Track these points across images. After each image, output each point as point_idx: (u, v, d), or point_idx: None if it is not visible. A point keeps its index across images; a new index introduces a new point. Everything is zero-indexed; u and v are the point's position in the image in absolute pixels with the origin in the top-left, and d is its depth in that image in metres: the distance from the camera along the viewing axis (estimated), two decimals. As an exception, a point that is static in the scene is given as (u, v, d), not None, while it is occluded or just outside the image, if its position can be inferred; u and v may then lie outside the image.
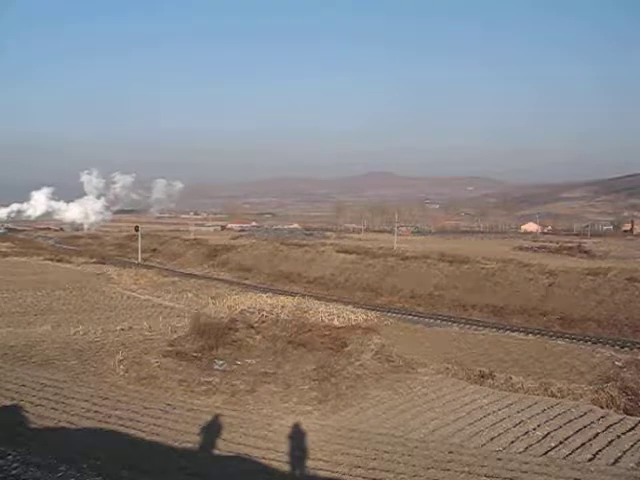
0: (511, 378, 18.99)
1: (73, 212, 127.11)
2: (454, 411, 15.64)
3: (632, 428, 14.29)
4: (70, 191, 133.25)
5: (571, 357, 23.24)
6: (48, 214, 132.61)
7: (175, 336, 23.79)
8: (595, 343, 30.82)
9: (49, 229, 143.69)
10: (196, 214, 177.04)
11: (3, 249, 73.93)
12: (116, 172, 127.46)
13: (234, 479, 11.11)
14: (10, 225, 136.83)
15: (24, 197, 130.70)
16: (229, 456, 11.97)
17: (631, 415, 15.68)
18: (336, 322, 27.00)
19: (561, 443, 13.24)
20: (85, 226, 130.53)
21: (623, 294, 38.89)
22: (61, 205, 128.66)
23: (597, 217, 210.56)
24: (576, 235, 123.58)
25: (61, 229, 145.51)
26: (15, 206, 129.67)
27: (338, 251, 62.23)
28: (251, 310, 27.66)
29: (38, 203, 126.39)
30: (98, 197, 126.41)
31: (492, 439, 13.60)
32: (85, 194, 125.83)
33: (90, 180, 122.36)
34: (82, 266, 57.17)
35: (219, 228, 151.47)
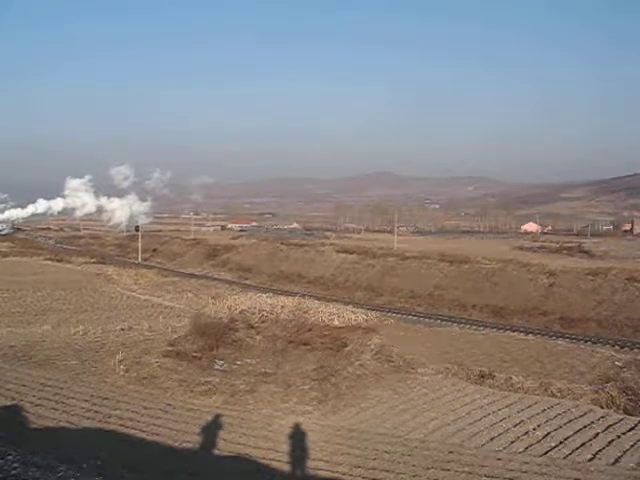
0: (511, 378, 18.99)
1: (123, 211, 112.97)
2: (454, 411, 15.63)
3: (632, 428, 14.29)
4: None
5: (571, 357, 23.24)
6: (95, 212, 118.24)
7: (175, 336, 23.79)
8: (595, 343, 30.82)
9: (49, 229, 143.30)
10: (196, 214, 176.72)
11: (3, 249, 73.90)
12: (153, 166, 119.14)
13: (234, 479, 11.12)
14: (11, 225, 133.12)
15: (34, 198, 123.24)
16: (229, 456, 11.97)
17: (631, 415, 15.67)
18: (336, 322, 27.03)
19: (561, 443, 13.23)
20: (122, 225, 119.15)
21: (623, 294, 38.89)
22: (104, 201, 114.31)
23: (597, 217, 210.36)
24: (576, 235, 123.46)
25: (61, 229, 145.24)
26: (60, 202, 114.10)
27: (338, 251, 62.23)
28: (251, 310, 27.68)
29: (84, 199, 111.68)
30: (142, 198, 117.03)
31: (492, 439, 13.60)
32: (112, 190, 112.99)
33: (120, 172, 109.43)
34: (82, 266, 57.19)
35: (219, 228, 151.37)
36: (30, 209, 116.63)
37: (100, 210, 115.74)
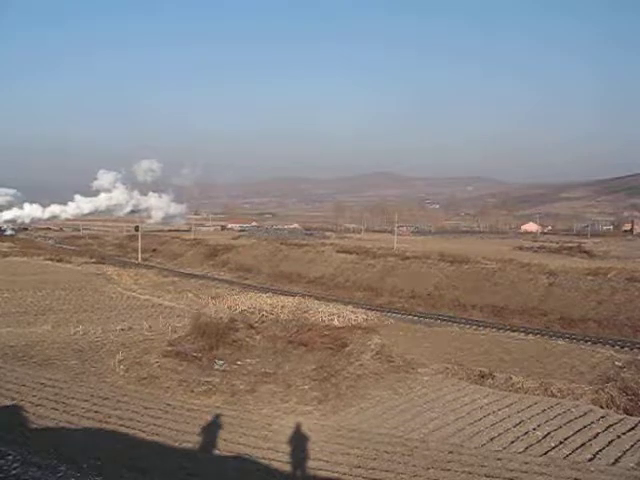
0: (511, 378, 18.99)
1: (160, 212, 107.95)
2: (454, 411, 15.63)
3: (632, 428, 14.29)
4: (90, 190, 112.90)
5: (571, 357, 23.24)
6: (131, 211, 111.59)
7: (175, 336, 23.79)
8: (595, 343, 30.79)
9: (49, 229, 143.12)
10: (196, 214, 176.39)
11: (4, 249, 73.77)
12: (184, 162, 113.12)
13: (234, 479, 11.11)
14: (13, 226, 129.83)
15: (40, 198, 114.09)
16: (229, 456, 11.97)
17: (631, 415, 15.67)
18: (336, 322, 27.04)
19: (561, 443, 13.23)
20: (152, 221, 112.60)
21: (623, 294, 38.85)
22: (136, 196, 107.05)
23: (597, 217, 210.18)
24: (576, 235, 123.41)
25: (61, 229, 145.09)
26: (103, 199, 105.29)
27: (338, 251, 62.20)
28: (251, 310, 27.72)
29: (123, 195, 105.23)
30: (178, 199, 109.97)
31: (492, 439, 13.60)
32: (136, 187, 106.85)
33: (145, 167, 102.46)
34: (82, 266, 57.10)
35: (219, 228, 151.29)
36: (71, 208, 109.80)
37: (135, 209, 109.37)
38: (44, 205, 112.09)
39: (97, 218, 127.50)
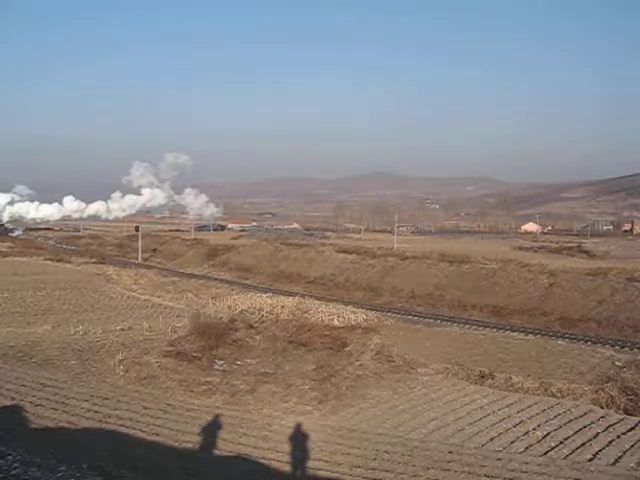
0: (511, 378, 18.99)
1: (199, 211, 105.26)
2: (454, 411, 15.63)
3: (632, 428, 14.29)
4: (103, 190, 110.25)
5: (571, 357, 23.22)
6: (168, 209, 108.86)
7: (175, 336, 23.78)
8: (595, 343, 30.80)
9: (49, 229, 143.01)
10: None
11: (3, 249, 73.73)
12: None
13: (234, 479, 11.12)
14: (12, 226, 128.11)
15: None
16: (229, 456, 11.97)
17: (631, 415, 15.67)
18: (336, 322, 27.02)
19: (561, 443, 13.23)
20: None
21: (623, 294, 38.87)
22: (176, 196, 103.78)
23: (597, 217, 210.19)
24: (576, 235, 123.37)
25: (61, 229, 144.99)
26: (147, 195, 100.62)
27: (338, 251, 62.23)
28: (251, 310, 27.69)
29: (159, 193, 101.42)
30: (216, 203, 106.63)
31: (492, 439, 13.60)
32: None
33: (171, 162, 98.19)
34: (82, 266, 57.05)
35: (219, 228, 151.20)
36: (115, 206, 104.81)
37: (173, 208, 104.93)
38: (87, 202, 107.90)
39: (133, 219, 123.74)
